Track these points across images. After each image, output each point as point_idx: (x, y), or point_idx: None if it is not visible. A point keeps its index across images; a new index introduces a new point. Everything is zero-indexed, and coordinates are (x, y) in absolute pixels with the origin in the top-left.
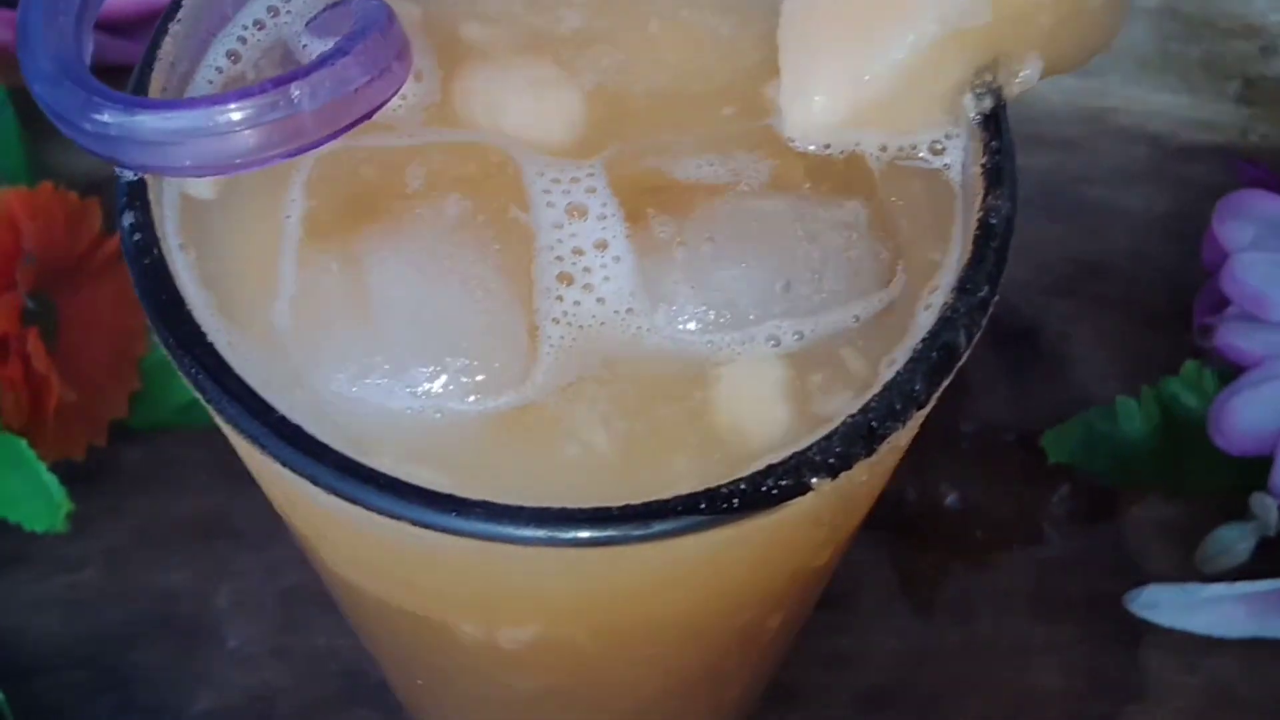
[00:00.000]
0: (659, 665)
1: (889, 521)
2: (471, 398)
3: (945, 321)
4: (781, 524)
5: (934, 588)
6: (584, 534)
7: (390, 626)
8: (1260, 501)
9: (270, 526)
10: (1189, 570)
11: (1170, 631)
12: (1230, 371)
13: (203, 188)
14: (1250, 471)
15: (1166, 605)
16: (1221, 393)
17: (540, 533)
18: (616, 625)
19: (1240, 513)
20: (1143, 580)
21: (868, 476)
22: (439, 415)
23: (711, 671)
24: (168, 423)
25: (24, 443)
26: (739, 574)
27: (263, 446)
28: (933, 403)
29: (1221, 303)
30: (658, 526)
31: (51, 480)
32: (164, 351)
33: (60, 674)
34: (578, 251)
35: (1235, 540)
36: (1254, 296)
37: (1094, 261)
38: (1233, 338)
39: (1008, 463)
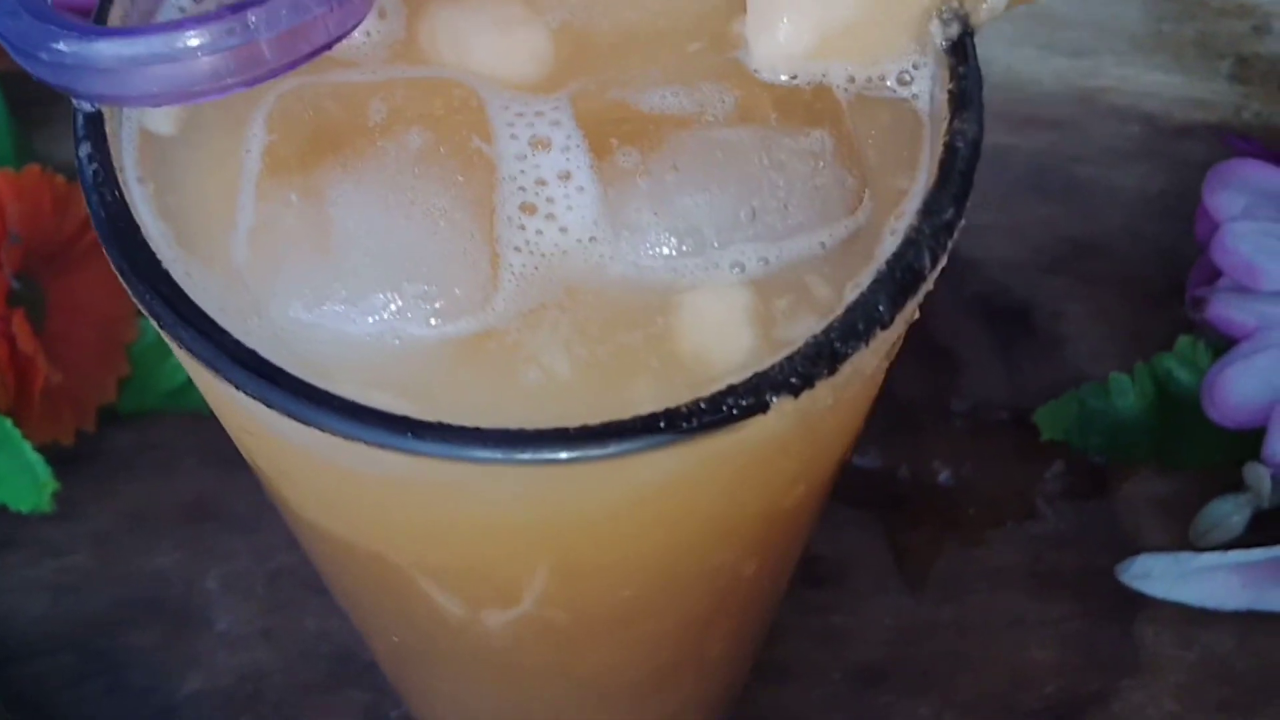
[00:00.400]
0: (632, 614)
1: (882, 499)
2: (431, 322)
3: (909, 243)
4: (744, 448)
5: (927, 564)
6: (541, 454)
7: (358, 574)
8: (1254, 471)
9: (258, 510)
10: (1184, 545)
11: (1165, 606)
12: (1223, 344)
13: (163, 123)
14: (1244, 445)
15: (1159, 575)
16: (1214, 365)
17: (496, 453)
18: (585, 565)
19: (1234, 486)
20: (1137, 555)
21: (832, 401)
22: (397, 341)
23: (689, 623)
24: (156, 408)
25: (9, 422)
26: (706, 507)
27: (216, 370)
28: (897, 325)
29: (1214, 275)
30: (615, 446)
31: (37, 459)
32: (134, 298)
33: (49, 658)
34: (541, 182)
35: (1229, 513)
36: (1245, 266)
37: (1087, 241)
38: (1224, 309)
39: (1001, 440)
